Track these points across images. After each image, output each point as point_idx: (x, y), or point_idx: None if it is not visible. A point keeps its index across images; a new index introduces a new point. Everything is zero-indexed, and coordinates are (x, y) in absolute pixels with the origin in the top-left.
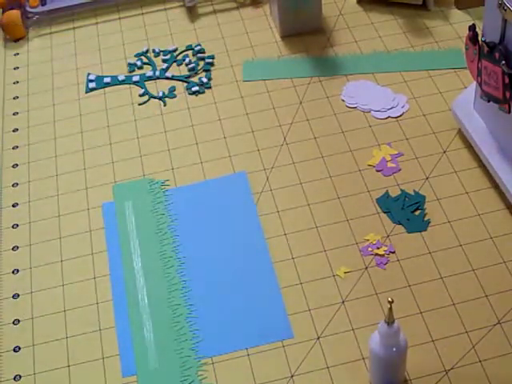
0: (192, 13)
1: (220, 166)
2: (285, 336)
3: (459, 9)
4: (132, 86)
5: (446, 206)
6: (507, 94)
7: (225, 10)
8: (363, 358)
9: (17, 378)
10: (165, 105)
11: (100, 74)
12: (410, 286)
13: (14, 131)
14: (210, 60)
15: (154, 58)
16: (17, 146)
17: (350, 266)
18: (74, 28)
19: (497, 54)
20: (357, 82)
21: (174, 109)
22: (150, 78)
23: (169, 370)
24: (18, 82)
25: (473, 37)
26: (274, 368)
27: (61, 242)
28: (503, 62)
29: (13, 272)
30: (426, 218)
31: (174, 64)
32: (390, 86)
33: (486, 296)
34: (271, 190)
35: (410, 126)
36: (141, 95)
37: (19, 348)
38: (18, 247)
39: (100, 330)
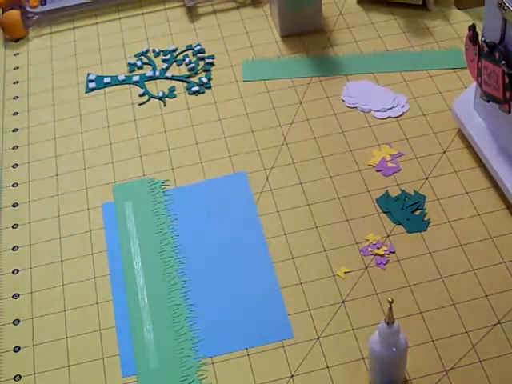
0: (192, 13)
1: (220, 166)
2: (285, 336)
3: (459, 9)
4: (132, 85)
5: (445, 206)
6: (507, 94)
7: (225, 10)
8: (363, 358)
9: (17, 378)
10: (165, 105)
11: (100, 74)
12: (410, 285)
13: (13, 131)
14: (210, 60)
15: (153, 58)
16: (17, 146)
17: (350, 266)
18: (74, 28)
19: (497, 54)
20: (357, 82)
21: (174, 109)
22: (150, 78)
23: (169, 370)
24: (17, 82)
25: (473, 37)
26: (274, 368)
27: (61, 242)
28: (503, 62)
29: (13, 272)
30: (425, 218)
31: (174, 64)
32: (389, 86)
33: (486, 296)
34: (271, 190)
35: (410, 125)
36: (141, 95)
37: (19, 348)
38: (17, 247)
39: (100, 330)
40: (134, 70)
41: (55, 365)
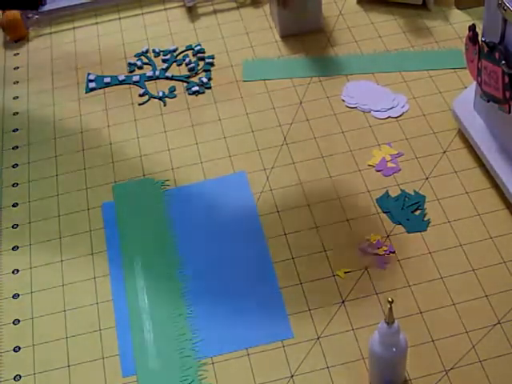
0: (192, 13)
1: (220, 166)
2: (285, 336)
3: (459, 9)
4: (132, 86)
5: (446, 206)
6: (507, 94)
7: (225, 9)
8: (363, 358)
9: (17, 378)
10: (165, 105)
11: (100, 74)
12: (409, 286)
13: (13, 131)
14: (210, 60)
15: (154, 58)
16: (17, 146)
17: (349, 266)
18: (74, 28)
19: (497, 54)
20: (357, 82)
21: (174, 109)
22: (150, 78)
23: (169, 370)
24: (18, 82)
25: (473, 37)
26: (274, 368)
27: (61, 242)
28: (503, 62)
29: (13, 272)
30: (425, 218)
31: (174, 64)
32: (389, 86)
33: (486, 296)
34: (271, 190)
35: (410, 126)
36: (141, 95)
37: (19, 348)
38: (17, 247)
39: (100, 330)
40: (133, 70)
41: (55, 365)
